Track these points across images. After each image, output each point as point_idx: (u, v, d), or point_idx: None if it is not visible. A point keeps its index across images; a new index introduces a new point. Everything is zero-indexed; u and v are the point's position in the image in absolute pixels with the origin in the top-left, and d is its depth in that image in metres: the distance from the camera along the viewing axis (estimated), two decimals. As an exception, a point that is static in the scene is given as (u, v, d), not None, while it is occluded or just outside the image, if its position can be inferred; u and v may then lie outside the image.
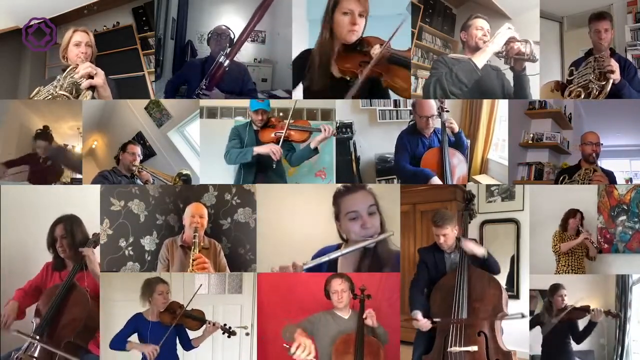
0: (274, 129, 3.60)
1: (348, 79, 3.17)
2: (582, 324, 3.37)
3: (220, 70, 3.55)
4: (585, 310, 3.30)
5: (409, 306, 3.09)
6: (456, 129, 3.55)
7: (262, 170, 3.54)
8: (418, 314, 2.97)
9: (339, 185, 2.83)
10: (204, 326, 3.16)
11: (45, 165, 3.75)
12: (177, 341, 3.19)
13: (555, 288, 3.39)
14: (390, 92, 3.31)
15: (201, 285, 3.36)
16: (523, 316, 2.94)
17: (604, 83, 3.31)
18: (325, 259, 2.73)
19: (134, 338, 3.15)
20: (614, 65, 3.31)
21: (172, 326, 3.09)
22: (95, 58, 3.39)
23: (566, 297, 3.36)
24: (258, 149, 3.47)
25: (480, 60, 3.15)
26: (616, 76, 3.31)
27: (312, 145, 3.49)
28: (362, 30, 3.13)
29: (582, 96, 3.39)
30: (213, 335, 3.22)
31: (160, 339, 3.07)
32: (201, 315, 3.19)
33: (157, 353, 3.03)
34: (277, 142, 3.53)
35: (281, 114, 3.81)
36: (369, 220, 2.65)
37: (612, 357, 3.51)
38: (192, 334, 3.21)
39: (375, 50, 3.08)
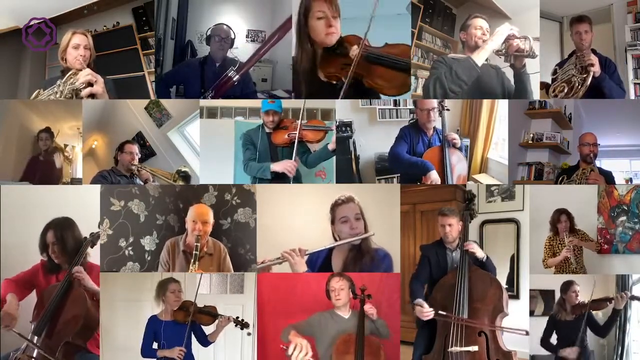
0: (287, 130, 3.58)
1: (334, 82, 3.19)
2: (599, 317, 3.37)
3: (229, 83, 3.57)
4: (605, 300, 3.28)
5: (409, 296, 3.09)
6: (459, 144, 3.56)
7: (278, 181, 3.54)
8: (423, 302, 2.98)
9: (336, 197, 3.12)
10: (217, 320, 3.19)
11: (45, 161, 3.78)
12: (193, 339, 3.21)
13: (568, 285, 3.38)
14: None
15: (202, 275, 3.34)
16: (527, 333, 2.93)
17: (585, 76, 3.40)
18: (322, 249, 3.11)
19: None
20: (594, 59, 3.41)
21: (188, 322, 3.14)
22: (93, 60, 3.38)
23: (580, 293, 3.35)
24: (274, 167, 3.48)
25: (479, 57, 3.15)
26: (596, 69, 3.39)
27: (330, 148, 3.50)
28: (339, 31, 3.14)
29: (566, 90, 3.45)
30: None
31: (174, 336, 3.12)
32: (214, 310, 3.22)
33: (185, 352, 3.09)
34: (291, 144, 3.52)
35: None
36: (355, 223, 3.06)
37: (612, 357, 3.52)
38: (206, 330, 3.24)
39: (354, 51, 3.09)
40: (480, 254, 3.09)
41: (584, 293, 3.36)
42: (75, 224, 3.27)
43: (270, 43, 3.62)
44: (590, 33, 3.51)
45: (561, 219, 3.59)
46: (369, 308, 2.97)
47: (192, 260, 3.21)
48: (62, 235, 3.19)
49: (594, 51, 3.52)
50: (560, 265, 3.57)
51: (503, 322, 3.00)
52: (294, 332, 2.94)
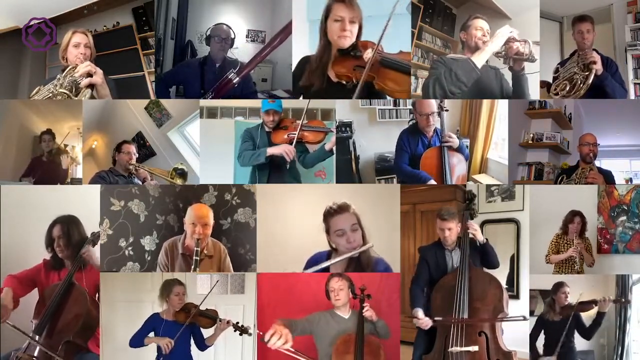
0: (286, 130, 3.58)
1: (344, 82, 3.23)
2: (587, 320, 3.37)
3: (229, 85, 3.58)
4: (591, 302, 3.30)
5: (409, 303, 3.10)
6: (457, 144, 3.56)
7: (276, 171, 3.54)
8: (419, 312, 3.00)
9: (328, 205, 3.01)
10: (216, 324, 3.19)
11: (49, 161, 3.79)
12: (192, 342, 3.22)
13: (558, 286, 3.40)
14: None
15: (217, 281, 3.38)
16: (525, 318, 2.94)
17: (587, 74, 3.41)
18: (318, 268, 3.01)
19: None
20: (596, 56, 3.41)
21: (186, 323, 3.14)
22: (94, 59, 3.39)
23: (569, 295, 3.37)
24: (271, 150, 3.48)
25: (479, 59, 3.15)
26: (598, 66, 3.40)
27: (328, 148, 3.50)
28: (356, 36, 3.21)
29: (567, 88, 3.46)
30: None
31: (173, 336, 3.12)
32: (214, 314, 3.22)
33: (172, 345, 3.08)
34: (291, 144, 3.52)
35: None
36: (352, 235, 2.93)
37: (612, 357, 3.52)
38: (205, 333, 3.24)
39: (368, 54, 3.14)
40: (480, 237, 3.10)
41: (575, 295, 3.37)
42: (81, 222, 3.30)
43: (272, 46, 3.65)
44: (593, 33, 3.52)
45: (575, 220, 3.58)
46: (367, 311, 2.95)
47: (193, 267, 3.20)
48: (68, 230, 3.23)
49: (595, 51, 3.53)
50: (561, 264, 3.57)
51: (503, 322, 3.00)
52: (278, 321, 2.85)
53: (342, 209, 2.95)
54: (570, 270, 3.56)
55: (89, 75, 3.23)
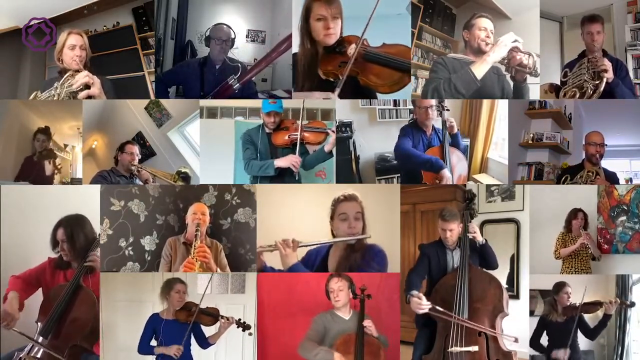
0: (287, 132, 3.58)
1: (332, 80, 3.23)
2: (591, 320, 3.38)
3: (229, 91, 3.58)
4: (596, 303, 3.30)
5: (405, 289, 3.05)
6: (455, 129, 3.55)
7: (280, 178, 3.53)
8: (419, 294, 2.94)
9: (340, 194, 3.10)
10: (219, 322, 3.20)
11: (38, 162, 3.76)
12: (193, 340, 3.22)
13: (560, 286, 3.39)
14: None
15: (212, 274, 3.40)
16: (516, 340, 2.93)
17: (598, 82, 3.35)
18: (318, 243, 3.12)
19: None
20: (608, 64, 3.34)
21: (191, 322, 3.15)
22: (90, 60, 3.39)
23: (571, 295, 3.37)
24: (279, 163, 3.47)
25: (479, 71, 3.13)
26: (609, 75, 3.34)
27: (327, 149, 3.49)
28: (340, 31, 3.20)
29: (577, 96, 3.41)
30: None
31: (173, 335, 3.13)
32: (215, 312, 3.23)
33: (182, 351, 3.09)
34: (292, 145, 3.52)
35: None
36: (354, 222, 3.04)
37: (612, 357, 3.52)
38: (208, 332, 3.24)
39: (351, 50, 3.13)
40: (479, 238, 3.12)
41: (576, 294, 3.36)
42: (88, 221, 3.27)
43: (278, 52, 3.65)
44: (602, 34, 3.46)
45: (578, 216, 3.60)
46: (368, 324, 2.96)
47: (194, 240, 3.25)
48: (71, 233, 3.17)
49: (604, 53, 3.49)
50: (572, 259, 3.58)
51: (503, 322, 3.00)
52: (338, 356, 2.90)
53: (351, 197, 3.08)
54: (581, 263, 3.57)
55: (87, 86, 3.23)
